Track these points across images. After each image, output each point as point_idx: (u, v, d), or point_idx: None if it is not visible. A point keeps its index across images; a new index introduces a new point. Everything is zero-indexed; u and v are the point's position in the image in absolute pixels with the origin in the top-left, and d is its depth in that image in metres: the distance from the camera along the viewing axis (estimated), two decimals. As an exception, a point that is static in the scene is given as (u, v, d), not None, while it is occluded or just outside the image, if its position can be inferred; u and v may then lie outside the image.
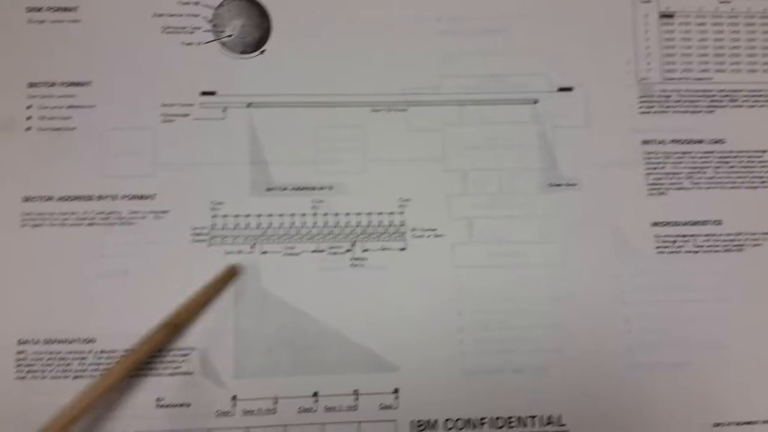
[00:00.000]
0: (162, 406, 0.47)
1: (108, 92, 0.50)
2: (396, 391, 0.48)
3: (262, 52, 0.51)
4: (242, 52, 0.51)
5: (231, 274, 0.48)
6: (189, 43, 0.51)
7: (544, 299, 0.50)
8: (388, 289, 0.49)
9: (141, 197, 0.49)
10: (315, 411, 0.47)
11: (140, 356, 0.44)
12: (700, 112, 0.53)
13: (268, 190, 0.50)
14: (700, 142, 0.52)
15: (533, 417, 0.48)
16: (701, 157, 0.52)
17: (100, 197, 0.49)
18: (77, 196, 0.49)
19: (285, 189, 0.50)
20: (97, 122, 0.50)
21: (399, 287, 0.49)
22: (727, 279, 0.51)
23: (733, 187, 0.52)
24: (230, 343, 0.48)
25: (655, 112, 0.52)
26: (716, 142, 0.52)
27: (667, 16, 0.54)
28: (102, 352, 0.47)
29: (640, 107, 0.52)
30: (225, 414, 0.47)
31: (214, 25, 0.51)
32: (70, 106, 0.50)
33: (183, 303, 0.47)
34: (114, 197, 0.49)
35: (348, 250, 0.50)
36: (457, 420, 0.48)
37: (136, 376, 0.47)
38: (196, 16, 0.51)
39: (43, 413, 0.44)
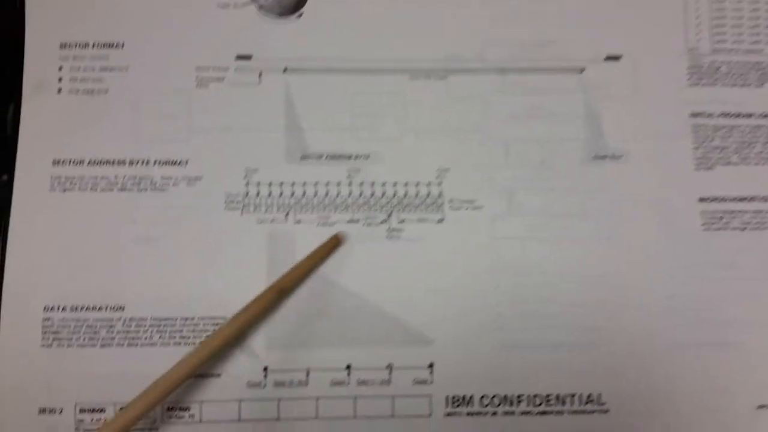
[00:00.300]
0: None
1: (141, 54, 0.49)
2: (431, 365, 0.46)
3: (300, 15, 0.49)
4: (279, 15, 0.49)
5: (336, 243, 0.47)
6: (225, 5, 0.49)
7: (585, 274, 0.47)
8: (425, 262, 0.47)
9: (174, 163, 0.48)
10: (347, 384, 0.46)
11: (247, 318, 0.43)
12: (750, 85, 0.51)
13: (303, 157, 0.48)
14: (750, 116, 0.50)
15: (572, 395, 0.46)
16: (750, 132, 0.50)
17: (131, 162, 0.48)
18: (108, 161, 0.48)
19: (320, 157, 0.48)
20: (130, 85, 0.48)
21: (435, 259, 0.47)
22: (775, 257, 0.48)
23: (782, 163, 0.49)
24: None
25: (704, 84, 0.50)
26: (766, 116, 0.50)
27: (718, -16, 0.51)
28: (131, 319, 0.46)
29: (689, 78, 0.50)
30: (256, 385, 0.45)
31: (251, -13, 0.49)
32: (102, 68, 0.49)
33: (290, 269, 0.46)
34: (146, 162, 0.48)
35: (384, 221, 0.48)
36: (494, 396, 0.46)
37: (166, 345, 0.45)
38: (233, -23, 0.49)
39: (68, 382, 0.44)
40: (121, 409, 0.41)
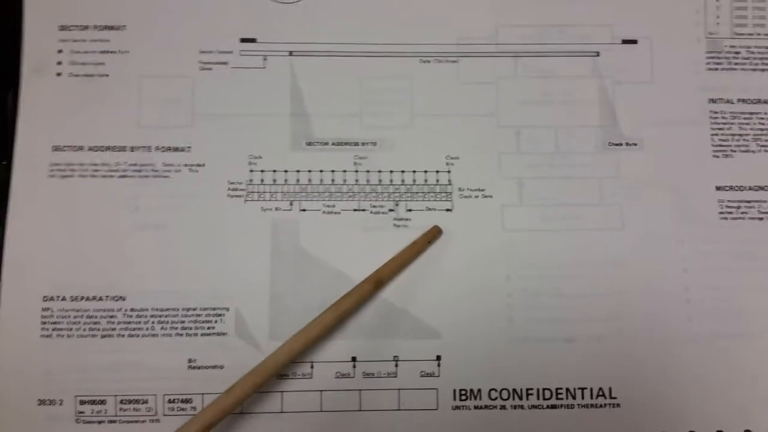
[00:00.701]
0: (194, 367, 0.44)
1: (143, 37, 0.47)
2: (438, 358, 0.44)
3: (306, -4, 0.47)
4: (285, -3, 0.47)
5: (434, 234, 0.45)
6: (229, -14, 0.47)
7: (599, 265, 0.46)
8: (433, 252, 0.46)
9: (176, 149, 0.46)
10: (352, 377, 0.44)
11: (346, 308, 0.42)
12: None
13: (309, 144, 0.46)
14: None
15: (583, 389, 0.44)
16: None
17: (133, 148, 0.46)
18: (109, 147, 0.46)
19: (326, 143, 0.46)
20: (132, 69, 0.47)
21: (444, 250, 0.46)
22: (793, 248, 0.46)
23: (802, 152, 0.47)
24: (266, 304, 0.45)
25: (722, 69, 0.48)
26: (786, 103, 0.48)
27: (738, -34, 0.49)
28: (132, 310, 0.44)
29: (708, 63, 0.48)
30: (259, 378, 0.43)
31: (256, -32, 0.47)
32: (103, 51, 0.47)
33: (389, 259, 0.44)
34: (148, 149, 0.46)
35: (391, 210, 0.46)
36: (502, 390, 0.44)
37: (167, 336, 0.44)
38: (237, -43, 0.47)
39: (68, 373, 0.43)
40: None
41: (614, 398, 0.45)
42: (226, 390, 0.38)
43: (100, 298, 0.44)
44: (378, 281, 0.43)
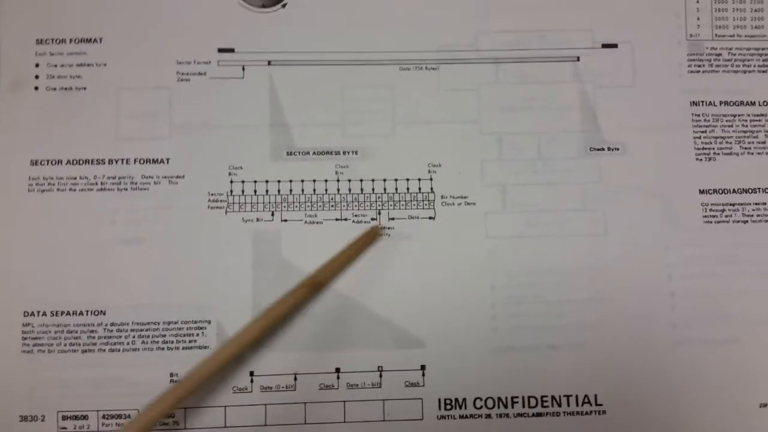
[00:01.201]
0: (176, 381, 0.42)
1: (120, 49, 0.46)
2: (423, 368, 0.44)
3: (284, 5, 0.47)
4: (262, 6, 0.46)
5: (372, 236, 0.44)
6: (206, -4, 0.46)
7: (583, 271, 0.45)
8: (416, 261, 0.45)
9: (155, 161, 0.45)
10: (337, 388, 0.43)
11: (279, 314, 0.41)
12: (752, 71, 0.48)
13: (289, 154, 0.45)
14: (752, 104, 0.47)
15: (568, 396, 0.44)
16: (752, 121, 0.47)
17: (111, 161, 0.45)
18: (87, 160, 0.45)
19: (307, 153, 0.46)
20: (109, 81, 0.46)
21: (427, 258, 0.45)
22: (778, 251, 0.46)
23: (786, 153, 0.47)
24: (248, 316, 0.44)
25: (704, 71, 0.47)
26: (769, 104, 0.47)
27: (718, -33, 0.48)
28: (113, 324, 0.43)
29: (689, 66, 0.47)
30: (242, 390, 0.43)
31: (233, -23, 0.46)
32: (80, 64, 0.46)
33: (327, 261, 0.43)
34: (126, 161, 0.45)
35: (373, 219, 0.45)
36: (487, 399, 0.44)
37: (149, 350, 0.43)
38: (214, -33, 0.47)
39: (50, 388, 0.42)
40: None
41: (600, 405, 0.44)
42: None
43: (81, 313, 0.43)
44: (315, 284, 0.42)
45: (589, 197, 0.46)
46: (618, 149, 0.46)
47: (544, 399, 0.44)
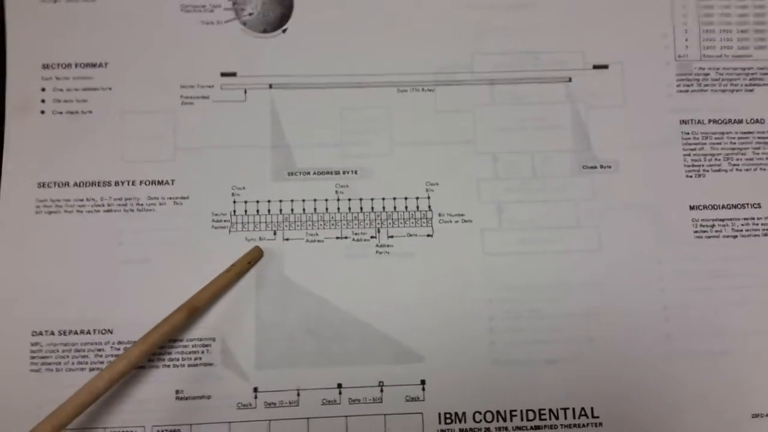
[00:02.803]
0: (181, 398, 0.43)
1: (125, 74, 0.47)
2: (423, 382, 0.44)
3: (284, 31, 0.47)
4: (263, 32, 0.47)
5: (254, 256, 0.44)
6: (209, 22, 0.47)
7: (578, 286, 0.45)
8: (415, 277, 0.45)
9: (160, 183, 0.45)
10: (339, 403, 0.43)
11: (156, 340, 0.40)
12: (739, 90, 0.48)
13: (291, 174, 0.46)
14: (740, 122, 0.48)
15: (565, 409, 0.44)
16: (740, 138, 0.48)
17: (117, 183, 0.45)
18: (94, 182, 0.45)
19: (308, 173, 0.46)
20: (114, 105, 0.46)
21: (426, 275, 0.45)
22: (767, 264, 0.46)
23: (773, 170, 0.47)
24: (252, 334, 0.44)
25: (692, 90, 0.48)
26: (756, 122, 0.48)
27: (705, -10, 0.48)
28: (119, 343, 0.43)
29: (678, 86, 0.48)
30: (246, 406, 0.43)
31: (235, 3, 0.47)
32: (86, 89, 0.46)
33: (205, 285, 0.43)
34: (132, 183, 0.45)
35: (373, 237, 0.46)
36: (486, 412, 0.44)
37: (155, 368, 0.43)
38: (216, -6, 0.47)
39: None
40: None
41: (596, 417, 0.44)
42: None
43: (88, 332, 0.44)
44: (192, 309, 0.42)
45: (583, 214, 0.46)
46: (610, 167, 0.47)
47: (542, 412, 0.44)
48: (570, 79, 0.47)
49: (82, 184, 0.45)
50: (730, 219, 0.47)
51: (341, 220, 0.45)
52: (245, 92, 0.46)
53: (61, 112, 0.46)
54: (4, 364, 0.43)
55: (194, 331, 0.44)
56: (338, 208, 0.46)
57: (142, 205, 0.45)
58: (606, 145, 0.47)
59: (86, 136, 0.46)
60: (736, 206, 0.47)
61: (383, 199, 0.46)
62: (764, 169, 0.47)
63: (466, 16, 0.48)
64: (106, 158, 0.45)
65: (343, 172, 0.46)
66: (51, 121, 0.46)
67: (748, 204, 0.47)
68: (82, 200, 0.45)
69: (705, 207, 0.47)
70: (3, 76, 0.46)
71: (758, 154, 0.47)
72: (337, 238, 0.45)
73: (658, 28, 0.48)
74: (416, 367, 0.44)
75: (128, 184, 0.45)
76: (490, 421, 0.44)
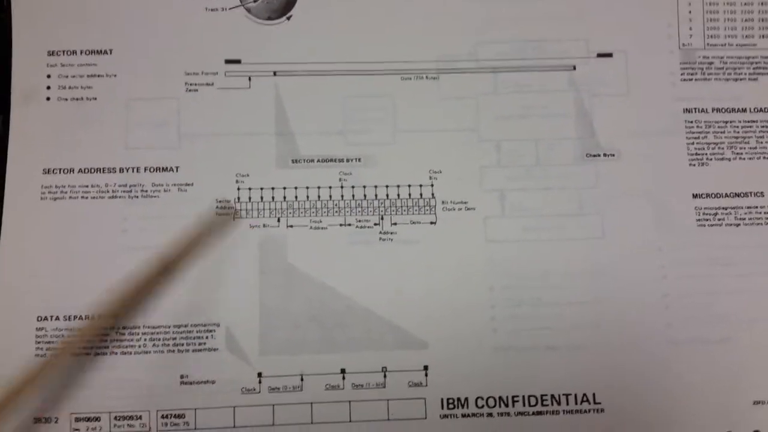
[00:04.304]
0: (186, 383, 0.43)
1: (130, 61, 0.46)
2: (425, 368, 0.44)
3: (289, 18, 0.47)
4: (268, 19, 0.46)
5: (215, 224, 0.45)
6: (213, 9, 0.47)
7: (580, 274, 0.45)
8: (418, 264, 0.45)
9: (164, 169, 0.45)
10: (342, 388, 0.43)
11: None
12: (743, 79, 0.48)
13: (295, 161, 0.45)
14: (743, 110, 0.48)
15: (567, 395, 0.44)
16: (744, 127, 0.48)
17: (122, 169, 0.45)
18: (98, 169, 0.45)
19: (312, 161, 0.46)
20: (119, 92, 0.46)
21: (429, 262, 0.45)
22: (770, 253, 0.46)
23: (776, 158, 0.47)
24: (256, 320, 0.44)
25: (696, 79, 0.47)
26: (760, 110, 0.48)
27: (710, -22, 0.48)
28: (124, 328, 0.43)
29: (682, 74, 0.48)
30: (250, 391, 0.43)
31: (239, -10, 0.46)
32: (90, 75, 0.46)
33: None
34: (136, 170, 0.45)
35: (376, 224, 0.45)
36: (489, 398, 0.44)
37: (159, 353, 0.43)
38: (221, -20, 0.47)
39: (63, 391, 0.43)
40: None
41: (598, 403, 0.44)
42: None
43: (92, 318, 0.43)
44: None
45: (586, 202, 0.46)
46: (614, 155, 0.46)
47: (544, 398, 0.44)
48: (574, 68, 0.47)
49: (87, 171, 0.45)
50: (733, 207, 0.46)
51: (345, 208, 0.45)
52: (249, 79, 0.46)
53: (66, 99, 0.46)
54: (10, 349, 0.43)
55: (199, 317, 0.44)
56: (342, 196, 0.45)
57: (146, 191, 0.45)
58: (609, 134, 0.47)
59: (91, 123, 0.45)
60: (739, 195, 0.47)
61: (387, 186, 0.46)
62: (767, 158, 0.47)
63: (470, 4, 0.48)
64: (110, 145, 0.45)
65: (347, 160, 0.46)
66: (56, 108, 0.45)
67: (751, 192, 0.47)
68: (87, 186, 0.45)
69: (708, 195, 0.46)
70: (9, 63, 0.45)
71: (761, 142, 0.47)
72: (341, 225, 0.45)
73: (663, 16, 0.48)
74: (419, 353, 0.44)
75: (133, 171, 0.45)
76: (493, 407, 0.44)
